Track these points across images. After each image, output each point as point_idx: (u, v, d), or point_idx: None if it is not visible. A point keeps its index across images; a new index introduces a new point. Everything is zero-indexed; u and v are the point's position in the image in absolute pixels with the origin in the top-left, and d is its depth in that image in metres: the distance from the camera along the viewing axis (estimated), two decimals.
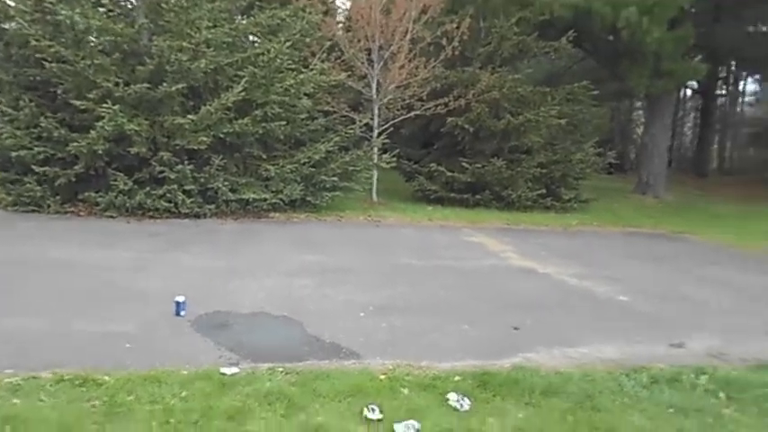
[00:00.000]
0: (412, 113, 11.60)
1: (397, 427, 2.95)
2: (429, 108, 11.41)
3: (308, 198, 9.89)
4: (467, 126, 11.64)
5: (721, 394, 3.58)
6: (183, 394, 3.15)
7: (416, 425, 2.98)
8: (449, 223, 10.19)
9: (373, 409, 3.09)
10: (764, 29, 19.58)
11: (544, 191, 12.19)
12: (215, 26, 9.10)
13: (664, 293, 6.21)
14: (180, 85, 8.56)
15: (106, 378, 3.29)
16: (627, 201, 15.43)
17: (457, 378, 3.58)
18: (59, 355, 3.62)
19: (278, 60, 9.27)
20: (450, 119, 11.68)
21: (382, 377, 3.53)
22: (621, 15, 12.53)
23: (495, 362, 3.91)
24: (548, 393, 3.44)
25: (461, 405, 3.24)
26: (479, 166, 11.57)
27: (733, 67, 27.23)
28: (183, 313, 4.48)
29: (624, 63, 14.21)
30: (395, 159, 11.98)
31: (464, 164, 11.67)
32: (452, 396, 3.30)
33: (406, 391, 3.38)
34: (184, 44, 8.57)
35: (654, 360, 4.14)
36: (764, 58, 18.91)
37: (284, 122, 9.52)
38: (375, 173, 11.51)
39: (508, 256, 7.79)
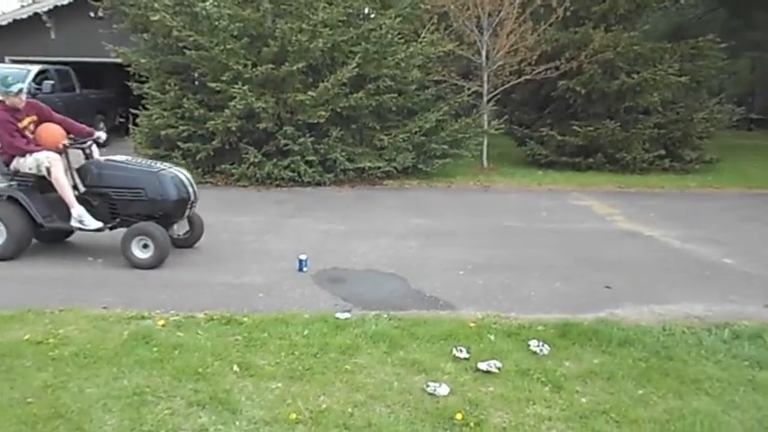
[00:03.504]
0: (522, 78, 11.65)
1: (480, 365, 3.43)
2: (540, 72, 11.41)
3: (420, 165, 10.41)
4: (579, 88, 11.50)
5: None
6: (305, 333, 3.83)
7: (498, 364, 3.45)
8: (558, 187, 10.29)
9: (461, 350, 3.60)
10: None
11: (663, 152, 11.78)
12: (331, 4, 9.72)
13: None
14: (300, 64, 9.32)
15: (245, 319, 4.05)
16: (760, 159, 14.39)
17: (540, 328, 3.99)
18: (208, 300, 4.47)
19: (389, 35, 9.76)
20: (561, 82, 11.61)
21: (472, 324, 4.02)
22: None
23: (580, 315, 4.26)
24: (625, 344, 3.76)
25: (541, 350, 3.66)
26: (592, 128, 11.44)
27: None
28: (305, 269, 5.21)
29: (757, 11, 13.22)
30: (504, 125, 12.15)
31: (576, 127, 11.59)
32: (533, 342, 3.73)
33: (492, 337, 3.85)
34: (303, 25, 9.29)
35: (743, 319, 4.28)
36: None
37: (396, 94, 10.05)
38: (485, 139, 11.76)
39: (614, 219, 7.88)
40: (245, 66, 9.30)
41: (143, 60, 10.34)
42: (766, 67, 27.50)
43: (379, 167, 9.92)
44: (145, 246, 5.21)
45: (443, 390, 3.17)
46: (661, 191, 10.26)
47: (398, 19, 9.90)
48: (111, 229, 5.49)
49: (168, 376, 3.26)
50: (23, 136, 5.36)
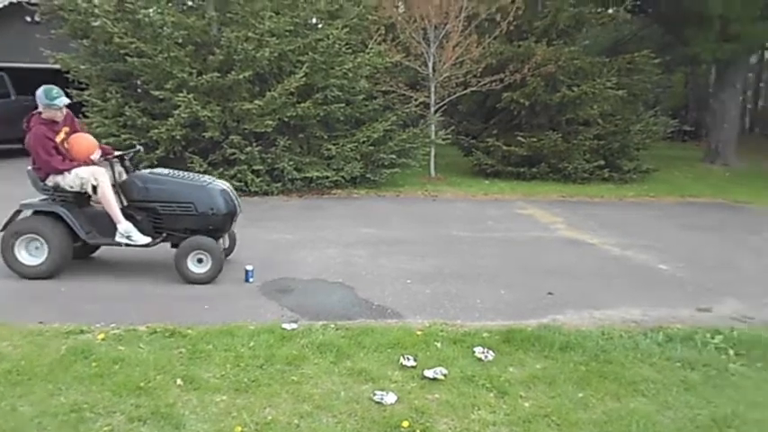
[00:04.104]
0: (468, 90, 11.87)
1: (427, 372, 3.47)
2: (485, 84, 11.66)
3: (368, 175, 10.46)
4: (522, 100, 11.80)
5: (730, 351, 3.90)
6: (251, 344, 3.79)
7: (444, 371, 3.49)
8: (504, 197, 10.51)
9: (408, 358, 3.63)
10: None
11: (602, 162, 12.20)
12: (278, 13, 9.68)
13: (705, 261, 6.41)
14: (247, 73, 9.24)
15: (189, 331, 3.98)
16: (693, 170, 15.06)
17: (485, 334, 4.07)
18: (151, 312, 4.36)
19: (336, 45, 9.79)
20: (505, 94, 11.88)
21: (419, 333, 4.06)
22: None
23: (523, 322, 4.36)
24: (566, 348, 3.87)
25: (486, 356, 3.72)
26: (535, 139, 11.76)
27: None
28: (251, 280, 5.16)
29: (689, 28, 13.83)
30: (451, 136, 12.36)
31: (520, 138, 11.88)
32: (478, 349, 3.79)
33: (438, 344, 3.89)
34: (250, 34, 9.22)
35: (676, 322, 4.47)
36: None
37: (344, 104, 10.09)
38: (432, 149, 11.91)
39: (557, 227, 8.10)
40: (190, 74, 9.15)
41: (83, 67, 10.05)
42: (699, 82, 28.92)
43: (327, 177, 9.92)
44: (200, 260, 5.08)
45: (390, 398, 3.19)
46: (601, 200, 10.61)
47: (346, 29, 9.95)
48: (156, 244, 5.33)
49: (108, 392, 3.16)
50: (59, 153, 5.11)
